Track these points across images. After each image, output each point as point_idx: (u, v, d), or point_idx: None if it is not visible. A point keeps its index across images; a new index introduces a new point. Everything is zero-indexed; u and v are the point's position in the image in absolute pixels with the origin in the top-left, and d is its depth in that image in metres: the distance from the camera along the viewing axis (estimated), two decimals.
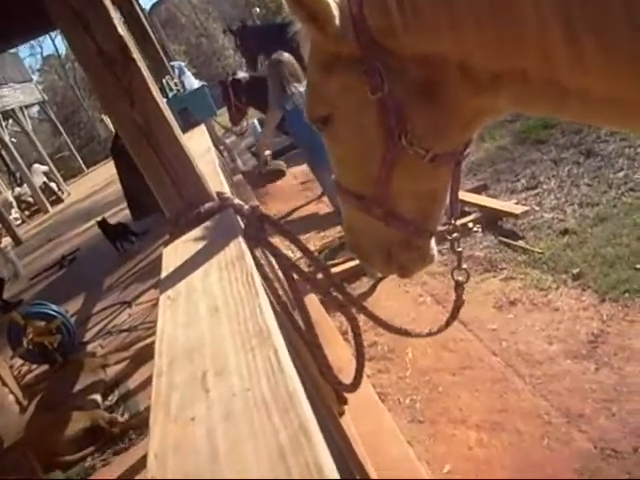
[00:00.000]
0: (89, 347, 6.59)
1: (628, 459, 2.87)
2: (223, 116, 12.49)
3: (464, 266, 1.82)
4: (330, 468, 0.66)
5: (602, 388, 3.35)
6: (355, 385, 1.90)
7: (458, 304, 1.87)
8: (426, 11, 1.26)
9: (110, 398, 5.36)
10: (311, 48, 1.51)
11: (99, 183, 21.28)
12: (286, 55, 6.77)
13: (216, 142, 10.36)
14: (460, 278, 1.83)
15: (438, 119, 1.43)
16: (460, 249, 1.79)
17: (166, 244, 1.74)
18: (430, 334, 2.02)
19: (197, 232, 1.67)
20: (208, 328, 1.10)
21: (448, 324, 1.95)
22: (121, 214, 11.89)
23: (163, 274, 1.51)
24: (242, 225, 1.70)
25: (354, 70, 1.40)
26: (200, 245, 1.56)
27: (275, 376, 0.86)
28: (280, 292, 1.84)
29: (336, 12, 1.35)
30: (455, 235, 1.76)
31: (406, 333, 2.03)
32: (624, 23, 1.03)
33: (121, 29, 1.67)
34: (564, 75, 1.17)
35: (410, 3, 1.27)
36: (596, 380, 3.43)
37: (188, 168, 1.81)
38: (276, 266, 2.08)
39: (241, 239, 1.47)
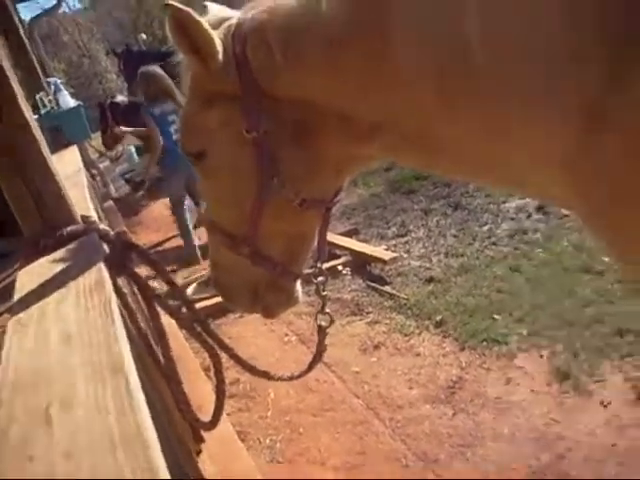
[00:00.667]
0: None
1: None
2: (98, 139, 12.15)
3: (327, 310, 1.82)
4: None
5: (458, 433, 3.45)
6: (214, 423, 1.85)
7: (320, 349, 1.87)
8: (307, 57, 1.29)
9: None
10: (192, 80, 1.49)
11: None
12: (155, 69, 7.30)
13: (89, 166, 10.03)
14: (323, 323, 1.83)
15: (310, 164, 1.46)
16: (325, 293, 1.79)
17: (22, 266, 1.64)
18: (292, 378, 2.00)
19: (56, 255, 1.58)
20: (58, 356, 1.03)
21: (310, 368, 1.94)
22: None
23: (15, 297, 1.41)
24: (107, 251, 1.63)
25: (233, 107, 1.41)
26: (58, 269, 1.47)
27: (124, 411, 0.80)
28: (142, 324, 1.77)
29: (220, 48, 1.35)
30: (320, 279, 1.76)
31: (268, 376, 2.00)
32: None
33: None
34: (438, 128, 1.21)
35: (292, 50, 1.30)
36: (453, 425, 3.52)
37: (53, 188, 1.71)
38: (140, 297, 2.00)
39: (102, 265, 1.41)
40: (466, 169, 1.36)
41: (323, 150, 1.43)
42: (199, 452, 3.14)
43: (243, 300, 1.76)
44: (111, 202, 10.20)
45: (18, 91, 1.65)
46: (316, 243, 1.71)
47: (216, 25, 1.41)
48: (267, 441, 3.78)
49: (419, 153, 1.35)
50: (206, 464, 3.08)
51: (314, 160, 1.45)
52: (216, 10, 1.54)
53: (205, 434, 3.21)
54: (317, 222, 1.64)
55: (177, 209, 7.46)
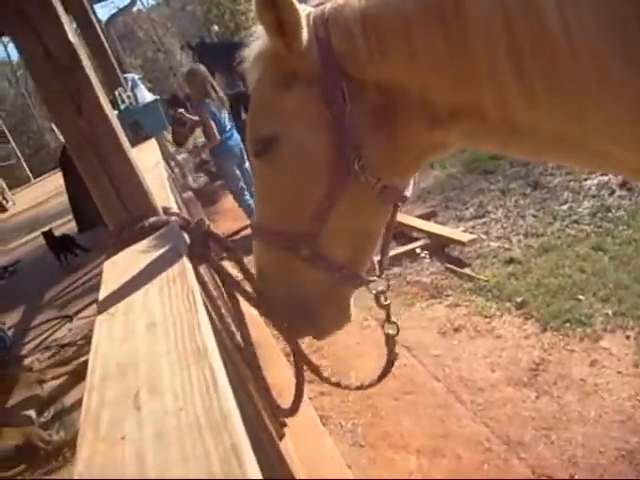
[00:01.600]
0: (26, 361, 6.39)
1: None
2: None
3: (394, 320, 1.73)
4: None
5: (541, 416, 3.39)
6: (293, 410, 1.86)
7: (391, 358, 1.78)
8: (388, 42, 1.28)
9: (45, 414, 5.17)
10: (268, 61, 1.47)
11: (46, 194, 20.80)
12: (201, 67, 7.89)
13: (167, 158, 10.28)
14: (390, 331, 1.74)
15: (392, 149, 1.43)
16: (388, 302, 1.71)
17: (108, 257, 1.70)
18: (360, 388, 1.95)
19: (140, 246, 1.63)
20: (144, 344, 1.07)
21: (380, 379, 1.84)
22: (67, 226, 11.63)
23: (102, 288, 1.47)
24: (187, 241, 1.67)
25: (314, 88, 1.39)
26: (142, 260, 1.52)
27: (210, 396, 0.83)
28: (223, 311, 1.81)
29: (305, 26, 1.35)
30: (381, 289, 1.68)
31: (336, 385, 1.97)
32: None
33: (72, 35, 1.64)
34: (517, 111, 1.19)
35: (374, 33, 1.29)
36: (536, 408, 3.47)
37: (134, 180, 1.77)
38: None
39: (184, 255, 1.44)
40: (546, 153, 1.34)
41: (404, 135, 1.40)
42: (282, 436, 3.20)
43: (294, 317, 1.60)
44: (190, 193, 10.44)
45: (96, 85, 1.70)
46: (379, 247, 1.65)
47: None
48: (349, 425, 3.81)
49: (498, 139, 1.33)
50: (289, 448, 3.14)
51: (395, 145, 1.42)
52: None
53: (289, 419, 3.27)
54: (385, 219, 1.59)
55: (239, 198, 7.84)
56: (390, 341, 1.75)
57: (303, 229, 1.47)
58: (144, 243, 1.65)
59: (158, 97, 5.72)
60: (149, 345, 1.06)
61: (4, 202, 22.84)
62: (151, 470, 0.74)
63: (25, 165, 25.28)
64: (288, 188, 1.48)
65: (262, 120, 1.49)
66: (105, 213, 1.77)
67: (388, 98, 1.36)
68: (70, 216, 10.64)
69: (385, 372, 1.82)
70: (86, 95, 1.66)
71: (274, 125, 1.45)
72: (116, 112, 4.98)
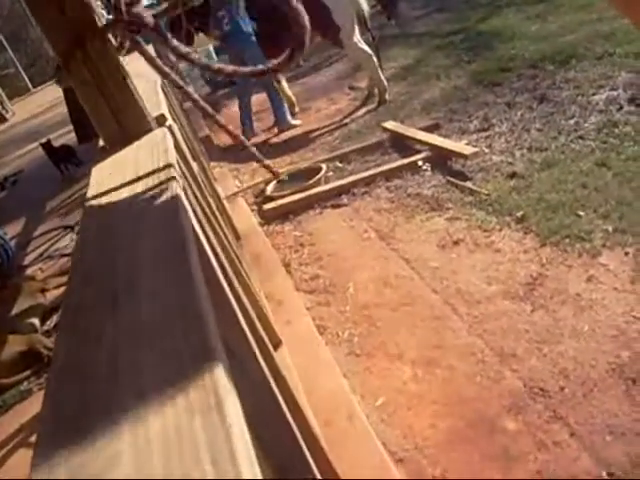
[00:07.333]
0: (29, 271, 6.45)
1: (554, 397, 2.95)
2: None
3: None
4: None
5: (536, 329, 3.42)
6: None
7: None
8: None
9: (48, 322, 5.28)
10: None
11: (45, 104, 20.53)
12: None
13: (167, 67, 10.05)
14: None
15: None
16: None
17: (96, 163, 1.67)
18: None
19: (126, 149, 1.61)
20: (127, 241, 1.05)
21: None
22: (67, 136, 11.53)
23: (89, 190, 1.45)
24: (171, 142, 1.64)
25: None
26: (127, 161, 1.49)
27: (187, 289, 0.82)
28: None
29: None
30: None
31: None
32: None
33: None
34: None
35: None
36: (531, 321, 3.49)
37: (126, 92, 1.72)
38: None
39: (170, 158, 1.41)
40: None
41: None
42: (279, 343, 3.24)
43: None
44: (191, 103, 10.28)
45: None
46: None
47: None
48: (345, 335, 3.85)
49: None
50: (286, 356, 3.19)
51: None
52: None
53: (285, 328, 3.31)
54: None
55: (241, 98, 8.23)
56: None
57: None
58: (130, 147, 1.63)
59: (154, 1, 5.54)
60: (132, 240, 1.04)
61: (4, 112, 22.60)
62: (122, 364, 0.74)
63: (24, 74, 24.88)
64: None
65: None
66: (98, 127, 1.73)
67: None
68: (70, 126, 10.54)
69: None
70: None
71: None
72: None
